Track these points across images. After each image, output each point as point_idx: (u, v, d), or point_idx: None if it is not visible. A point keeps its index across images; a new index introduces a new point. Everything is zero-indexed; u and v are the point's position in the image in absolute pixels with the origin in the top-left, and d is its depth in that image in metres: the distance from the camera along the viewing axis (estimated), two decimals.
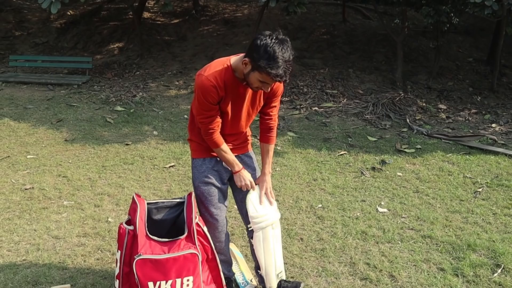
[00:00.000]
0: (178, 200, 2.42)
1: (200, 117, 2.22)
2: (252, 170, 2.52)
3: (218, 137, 2.27)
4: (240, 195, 2.51)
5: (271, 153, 2.53)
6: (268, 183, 2.50)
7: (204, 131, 2.26)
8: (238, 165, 2.38)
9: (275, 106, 2.43)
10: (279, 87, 2.35)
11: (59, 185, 4.31)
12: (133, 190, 4.25)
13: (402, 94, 7.68)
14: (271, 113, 2.44)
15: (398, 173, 4.77)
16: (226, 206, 2.50)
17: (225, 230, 2.52)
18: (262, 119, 2.47)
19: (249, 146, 2.56)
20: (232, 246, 3.06)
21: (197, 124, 2.33)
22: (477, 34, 11.44)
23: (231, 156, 2.35)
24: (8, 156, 5.09)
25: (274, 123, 2.47)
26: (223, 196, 2.46)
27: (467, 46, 10.95)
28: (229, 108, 2.26)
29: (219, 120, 2.25)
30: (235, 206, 3.83)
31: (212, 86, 2.12)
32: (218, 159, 2.41)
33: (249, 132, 2.55)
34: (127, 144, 5.57)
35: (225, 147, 2.33)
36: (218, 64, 2.17)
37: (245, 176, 2.41)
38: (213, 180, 2.39)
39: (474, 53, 10.63)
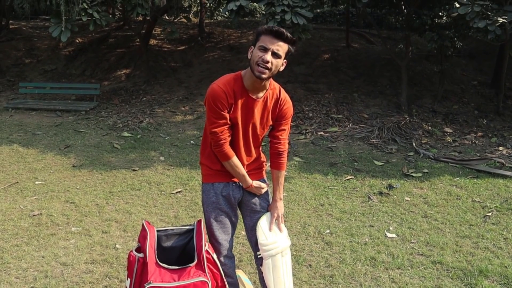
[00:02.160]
0: (187, 227, 2.42)
1: (211, 126, 2.25)
2: (261, 198, 2.50)
3: (228, 149, 2.29)
4: (251, 222, 2.50)
5: (281, 179, 2.50)
6: (280, 210, 2.48)
7: (215, 142, 2.27)
8: (248, 180, 2.39)
9: (284, 130, 2.40)
10: (288, 108, 2.35)
11: (67, 211, 4.32)
12: (140, 216, 4.25)
13: (407, 118, 7.71)
14: (280, 137, 2.41)
15: (406, 198, 4.74)
16: (233, 231, 2.49)
17: (230, 254, 2.50)
18: (271, 143, 2.46)
19: (264, 172, 2.55)
20: (240, 273, 3.03)
21: (209, 139, 2.34)
22: (480, 58, 11.53)
23: (242, 170, 2.35)
24: (17, 182, 5.12)
25: (283, 147, 2.45)
26: (231, 221, 2.45)
27: (471, 70, 11.03)
28: (239, 119, 2.26)
29: (229, 131, 2.28)
30: (243, 232, 3.82)
31: (221, 91, 2.18)
32: (230, 182, 2.40)
33: (263, 158, 2.54)
34: (134, 170, 5.60)
35: (236, 160, 2.33)
36: (229, 75, 2.27)
37: (258, 183, 2.43)
38: (221, 206, 2.39)
39: (478, 76, 10.69)
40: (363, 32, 14.07)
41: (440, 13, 8.64)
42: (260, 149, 2.51)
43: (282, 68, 2.19)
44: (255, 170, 2.48)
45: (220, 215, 2.40)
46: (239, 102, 2.23)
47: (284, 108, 2.33)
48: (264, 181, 2.51)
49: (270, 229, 2.42)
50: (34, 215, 4.23)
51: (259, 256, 2.48)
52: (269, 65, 2.09)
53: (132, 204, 4.52)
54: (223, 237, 2.41)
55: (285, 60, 2.17)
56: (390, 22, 10.97)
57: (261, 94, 2.27)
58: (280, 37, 2.09)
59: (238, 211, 2.52)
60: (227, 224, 2.42)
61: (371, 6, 12.39)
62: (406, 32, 8.87)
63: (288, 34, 2.11)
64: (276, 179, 2.50)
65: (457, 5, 6.72)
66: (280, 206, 2.48)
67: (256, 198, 2.47)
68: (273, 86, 2.31)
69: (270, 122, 2.37)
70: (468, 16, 6.54)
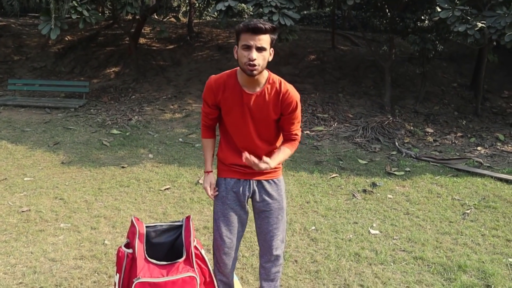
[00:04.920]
0: (176, 223, 2.40)
1: (202, 107, 2.38)
2: (273, 199, 2.36)
3: (204, 130, 2.43)
4: (258, 221, 2.40)
5: (281, 150, 2.28)
6: (254, 164, 2.12)
7: (201, 119, 2.41)
8: (207, 167, 2.42)
9: (293, 123, 2.30)
10: (291, 99, 2.22)
11: (55, 208, 4.26)
12: (129, 212, 4.21)
13: (390, 118, 7.78)
14: (291, 130, 2.31)
15: (389, 195, 4.79)
16: (240, 232, 2.39)
17: (232, 254, 2.39)
18: (284, 136, 2.36)
19: (278, 172, 2.40)
20: (236, 283, 2.85)
21: (221, 132, 2.39)
22: (460, 61, 11.69)
23: (207, 154, 2.44)
24: (5, 179, 5.03)
25: (293, 137, 2.33)
26: (239, 219, 2.37)
27: (452, 72, 11.17)
28: (233, 114, 2.25)
29: (213, 119, 2.37)
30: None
31: (208, 86, 2.26)
32: (242, 179, 2.35)
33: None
34: (123, 167, 5.55)
35: (206, 142, 2.43)
36: (226, 71, 2.29)
37: (206, 180, 2.38)
38: (230, 201, 2.35)
39: (458, 78, 10.84)
40: (348, 34, 14.16)
41: (423, 17, 8.74)
42: (274, 146, 2.38)
43: (271, 58, 2.16)
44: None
45: (227, 210, 2.34)
46: (231, 96, 2.22)
47: (288, 100, 2.22)
48: (275, 182, 2.38)
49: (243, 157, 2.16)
50: (22, 211, 4.16)
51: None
52: (256, 62, 2.06)
53: (121, 201, 4.48)
54: (227, 234, 2.34)
55: (271, 49, 2.14)
56: (374, 24, 11.05)
57: (257, 89, 2.21)
58: (259, 31, 2.05)
59: (250, 212, 2.43)
60: (233, 221, 2.35)
61: (356, 9, 12.47)
62: (390, 35, 8.95)
63: (266, 25, 2.05)
64: (277, 149, 2.32)
65: (439, 10, 6.80)
66: (255, 163, 2.12)
67: (267, 198, 2.36)
68: (272, 80, 2.23)
69: (274, 116, 2.26)
70: (449, 20, 6.62)
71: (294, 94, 2.24)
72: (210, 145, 2.44)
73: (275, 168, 2.38)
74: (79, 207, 4.31)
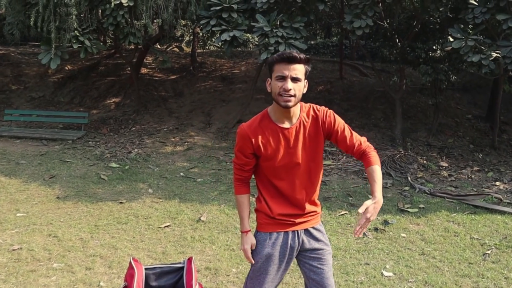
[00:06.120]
0: (177, 265, 2.36)
1: (234, 158, 2.28)
2: (324, 246, 2.31)
3: (239, 185, 2.29)
4: (315, 278, 2.28)
5: (375, 174, 2.15)
6: (372, 212, 2.04)
7: (234, 172, 2.28)
8: (245, 226, 2.28)
9: (346, 136, 2.23)
10: (330, 115, 2.22)
11: (49, 246, 4.21)
12: (126, 251, 4.16)
13: (402, 152, 7.76)
14: (351, 143, 2.23)
15: (402, 234, 4.71)
16: (277, 284, 2.32)
17: None
18: (349, 152, 2.28)
19: (319, 217, 2.37)
20: None
21: (259, 182, 2.29)
22: (474, 91, 11.76)
23: (243, 212, 2.28)
24: None
25: (363, 146, 2.24)
26: (280, 275, 2.30)
27: (465, 103, 11.22)
28: (277, 156, 2.18)
29: (249, 170, 2.25)
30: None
31: (243, 134, 2.19)
32: (289, 231, 2.26)
33: (318, 202, 2.36)
34: (121, 203, 5.52)
35: (242, 199, 2.28)
36: (256, 115, 2.25)
37: (246, 241, 2.27)
38: (277, 258, 2.25)
39: (473, 109, 10.87)
40: (357, 64, 14.35)
41: (434, 47, 8.85)
42: (317, 190, 2.33)
43: (305, 90, 2.15)
44: (310, 214, 2.30)
45: (272, 267, 2.26)
46: (270, 138, 2.18)
47: (327, 118, 2.21)
48: (319, 229, 2.33)
49: (355, 232, 2.08)
50: (13, 249, 4.11)
51: None
52: (292, 92, 2.06)
53: (118, 239, 4.43)
54: None
55: (306, 81, 2.13)
56: (384, 54, 11.20)
57: (295, 120, 2.19)
58: (294, 61, 2.05)
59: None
60: (276, 277, 2.28)
61: (364, 39, 12.70)
62: (400, 65, 9.05)
63: (301, 55, 2.07)
64: (370, 175, 2.18)
65: (451, 39, 6.89)
66: (374, 207, 2.05)
67: (318, 246, 2.29)
68: (305, 108, 2.23)
69: (322, 142, 2.23)
70: (462, 50, 6.70)
71: (329, 110, 2.25)
72: (246, 202, 2.32)
73: (318, 212, 2.34)
74: (74, 245, 4.26)
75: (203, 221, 4.97)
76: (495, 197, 5.93)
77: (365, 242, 4.50)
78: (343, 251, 4.27)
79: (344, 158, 7.71)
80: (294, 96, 2.06)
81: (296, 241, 2.26)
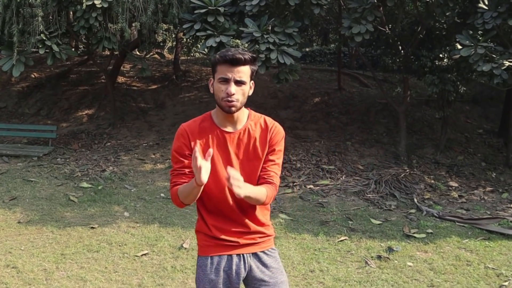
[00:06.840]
0: None
1: (171, 171, 2.25)
2: (275, 272, 2.28)
3: (174, 190, 2.19)
4: None
5: (257, 189, 2.15)
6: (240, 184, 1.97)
7: (170, 185, 2.23)
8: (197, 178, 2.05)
9: (271, 160, 2.24)
10: (278, 133, 2.23)
11: (6, 279, 4.12)
12: (97, 284, 4.07)
13: (407, 170, 7.77)
14: (268, 170, 2.24)
15: (408, 263, 4.68)
16: None
17: None
18: (259, 179, 2.27)
19: (271, 241, 2.35)
20: None
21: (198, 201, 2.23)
22: (485, 104, 11.88)
23: (187, 186, 2.10)
24: None
25: (269, 180, 2.23)
26: None
27: (476, 117, 11.32)
28: (215, 162, 2.15)
29: (190, 176, 2.15)
30: None
31: (182, 133, 2.22)
32: (234, 255, 2.23)
33: (268, 222, 2.34)
34: (92, 228, 5.44)
35: (181, 186, 2.14)
36: (199, 116, 2.28)
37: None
38: (220, 285, 2.22)
39: (484, 124, 10.96)
40: (357, 73, 14.46)
41: (441, 55, 8.93)
42: (263, 208, 2.32)
43: (251, 92, 2.19)
44: (256, 235, 2.26)
45: None
46: (210, 140, 2.20)
47: (277, 134, 2.25)
48: (271, 254, 2.31)
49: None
50: None
51: None
52: (235, 97, 2.09)
53: (88, 269, 4.35)
54: None
55: (252, 82, 2.17)
56: (386, 63, 11.28)
57: (239, 126, 2.22)
58: (238, 63, 2.08)
59: None
60: None
61: (365, 46, 12.82)
62: (404, 75, 9.12)
63: (246, 55, 2.09)
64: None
65: (459, 47, 6.96)
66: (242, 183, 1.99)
67: (268, 272, 2.26)
68: (254, 116, 2.27)
69: (261, 155, 2.23)
70: (471, 58, 6.76)
71: (281, 128, 2.28)
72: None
73: (269, 235, 2.33)
74: (36, 277, 4.17)
75: (185, 248, 4.91)
76: (511, 221, 5.94)
77: (367, 271, 4.46)
78: (342, 282, 4.22)
79: (343, 177, 7.70)
80: (237, 100, 2.10)
81: (242, 266, 2.23)
